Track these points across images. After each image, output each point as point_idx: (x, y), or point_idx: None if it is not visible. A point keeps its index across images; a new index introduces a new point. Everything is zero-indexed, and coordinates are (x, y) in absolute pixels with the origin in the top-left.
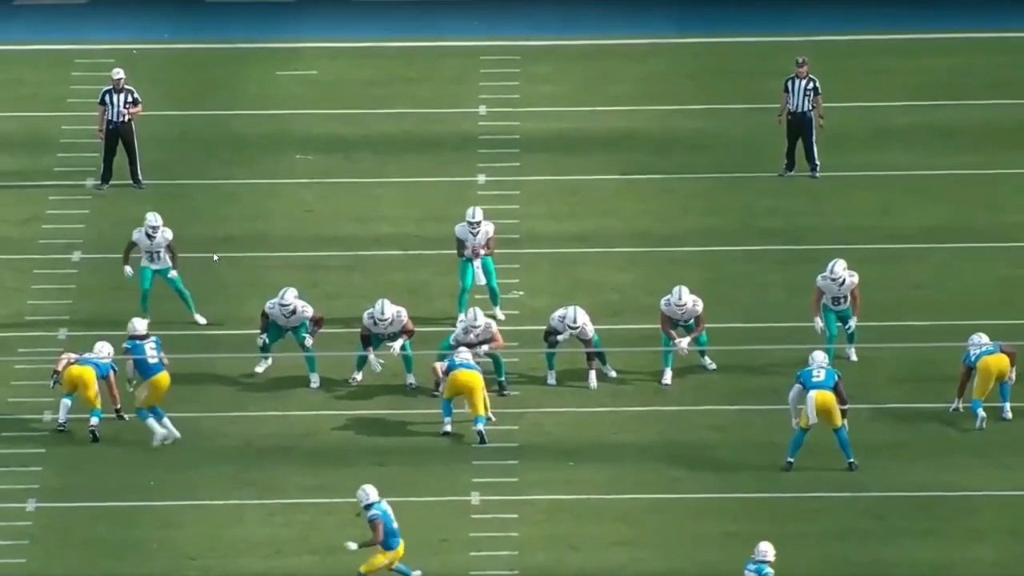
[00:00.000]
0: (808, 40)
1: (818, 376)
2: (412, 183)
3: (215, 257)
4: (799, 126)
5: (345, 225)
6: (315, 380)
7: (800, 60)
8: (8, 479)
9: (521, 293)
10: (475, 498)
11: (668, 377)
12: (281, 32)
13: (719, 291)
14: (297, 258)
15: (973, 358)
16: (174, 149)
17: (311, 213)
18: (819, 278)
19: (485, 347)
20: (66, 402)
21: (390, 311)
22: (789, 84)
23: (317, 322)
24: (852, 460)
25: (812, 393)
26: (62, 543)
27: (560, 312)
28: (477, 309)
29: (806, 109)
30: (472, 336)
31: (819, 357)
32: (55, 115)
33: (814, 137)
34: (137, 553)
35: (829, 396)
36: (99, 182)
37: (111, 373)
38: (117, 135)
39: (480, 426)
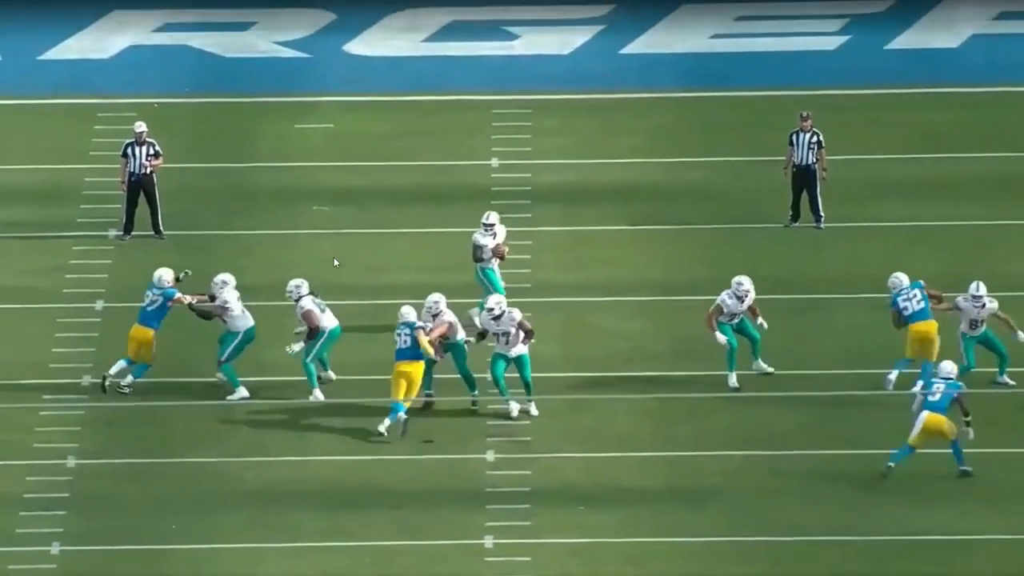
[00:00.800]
0: (811, 94)
1: (934, 396)
2: (425, 234)
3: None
4: (804, 179)
5: (360, 275)
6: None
7: (804, 114)
8: (33, 523)
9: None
10: (488, 541)
11: (734, 379)
12: (298, 86)
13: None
14: None
15: (905, 312)
16: (194, 201)
17: (339, 266)
18: (960, 299)
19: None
20: (123, 363)
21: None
22: (794, 138)
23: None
24: (965, 467)
25: (924, 414)
26: None
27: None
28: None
29: (810, 162)
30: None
31: (946, 367)
32: (78, 167)
33: (818, 189)
34: None
35: (940, 419)
36: (121, 233)
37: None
38: (139, 187)
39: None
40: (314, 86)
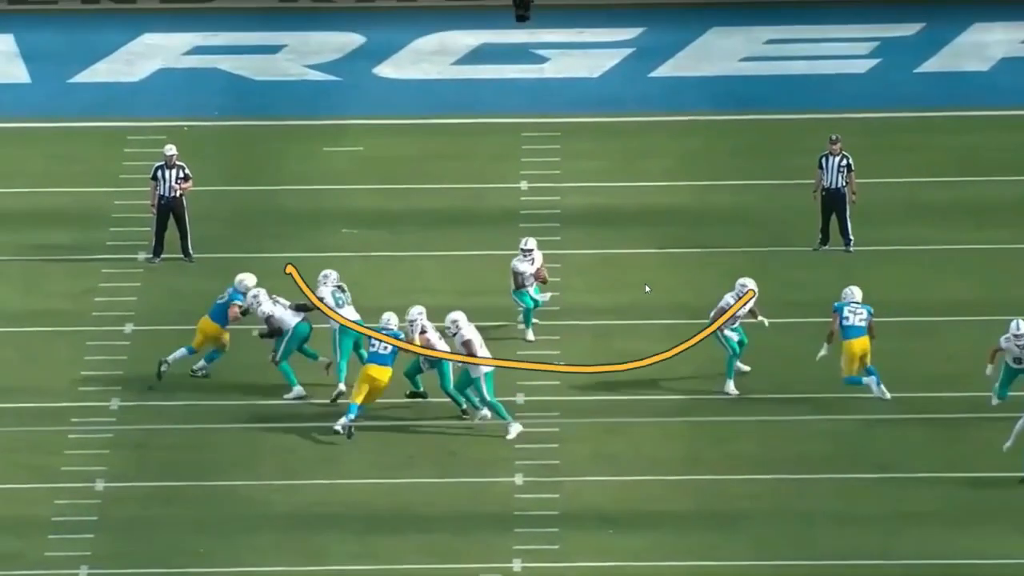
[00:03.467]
0: (841, 117)
1: (853, 321)
2: (455, 256)
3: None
4: (833, 202)
5: (389, 298)
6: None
7: (833, 138)
8: (62, 546)
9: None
10: (517, 565)
11: (732, 386)
12: (328, 109)
13: (753, 363)
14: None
15: (845, 322)
16: (224, 224)
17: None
18: (1002, 340)
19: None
20: (183, 351)
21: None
22: (823, 161)
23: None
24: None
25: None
26: None
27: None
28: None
29: (839, 185)
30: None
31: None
32: (108, 191)
33: (848, 213)
34: None
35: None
36: (151, 255)
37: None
38: (169, 210)
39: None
40: (344, 109)
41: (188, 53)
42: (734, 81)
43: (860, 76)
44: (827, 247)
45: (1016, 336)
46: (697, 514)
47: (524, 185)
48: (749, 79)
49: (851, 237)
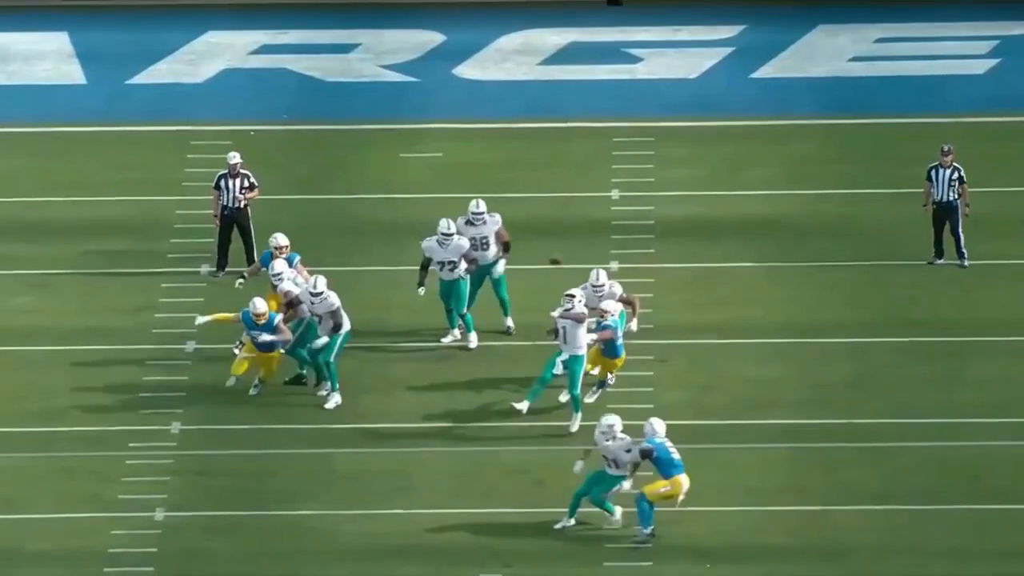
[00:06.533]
0: (957, 121)
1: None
2: (541, 271)
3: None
4: (945, 215)
5: (472, 314)
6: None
7: (945, 148)
8: None
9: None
10: None
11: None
12: (405, 112)
13: (866, 385)
14: (418, 348)
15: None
16: (293, 235)
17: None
18: None
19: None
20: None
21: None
22: (933, 174)
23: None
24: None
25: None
26: None
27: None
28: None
29: (951, 199)
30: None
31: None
32: (169, 199)
33: (961, 226)
34: None
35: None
36: (214, 269)
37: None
38: (232, 221)
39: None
40: (421, 112)
41: (255, 52)
42: (842, 83)
43: (979, 77)
44: (942, 261)
45: None
46: (799, 547)
47: (615, 194)
48: (858, 81)
49: (965, 252)
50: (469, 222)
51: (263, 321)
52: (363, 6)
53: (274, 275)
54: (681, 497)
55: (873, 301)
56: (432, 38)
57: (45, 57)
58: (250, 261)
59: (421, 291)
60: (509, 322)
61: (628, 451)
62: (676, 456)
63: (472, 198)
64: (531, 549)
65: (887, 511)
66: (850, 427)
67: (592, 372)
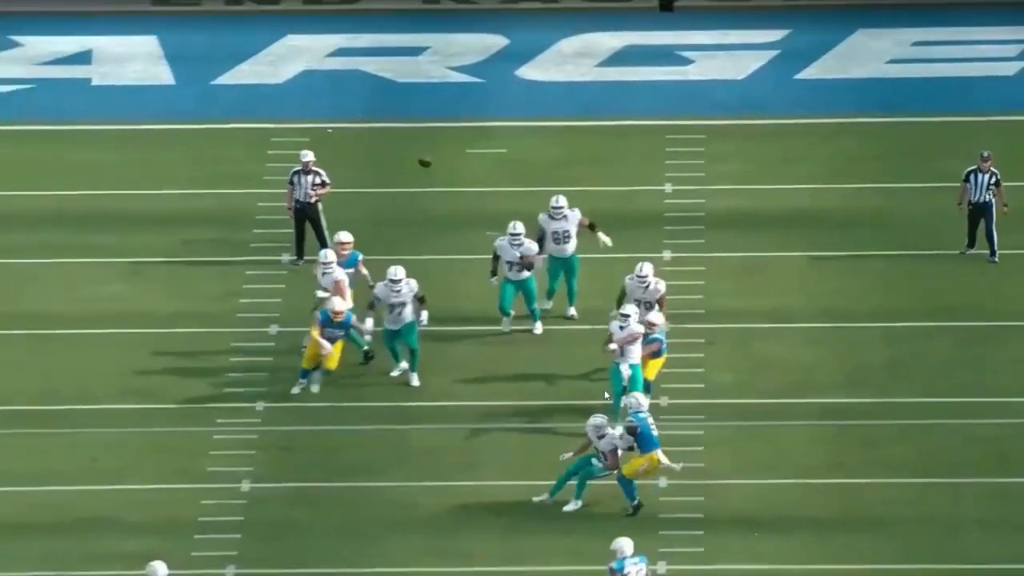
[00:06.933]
0: (990, 120)
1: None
2: (599, 259)
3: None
4: (980, 214)
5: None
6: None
7: (985, 155)
8: (208, 546)
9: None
10: (662, 567)
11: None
12: (471, 111)
13: (901, 367)
14: (487, 332)
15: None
16: (365, 227)
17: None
18: None
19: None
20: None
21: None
22: (971, 176)
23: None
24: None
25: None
26: None
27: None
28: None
29: (987, 199)
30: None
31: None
32: (252, 192)
33: (994, 222)
34: None
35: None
36: (294, 257)
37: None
38: (304, 215)
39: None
40: (487, 111)
41: (332, 55)
42: (881, 84)
43: (1009, 79)
44: (972, 251)
45: None
46: (842, 518)
47: (668, 188)
48: (896, 82)
49: (996, 247)
50: (551, 216)
51: (340, 319)
52: (432, 12)
53: (324, 263)
54: (661, 465)
55: (908, 289)
56: (496, 42)
57: (136, 59)
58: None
59: (493, 280)
60: (572, 311)
61: (617, 441)
62: (655, 432)
63: (534, 191)
64: (592, 519)
65: (922, 484)
66: (887, 406)
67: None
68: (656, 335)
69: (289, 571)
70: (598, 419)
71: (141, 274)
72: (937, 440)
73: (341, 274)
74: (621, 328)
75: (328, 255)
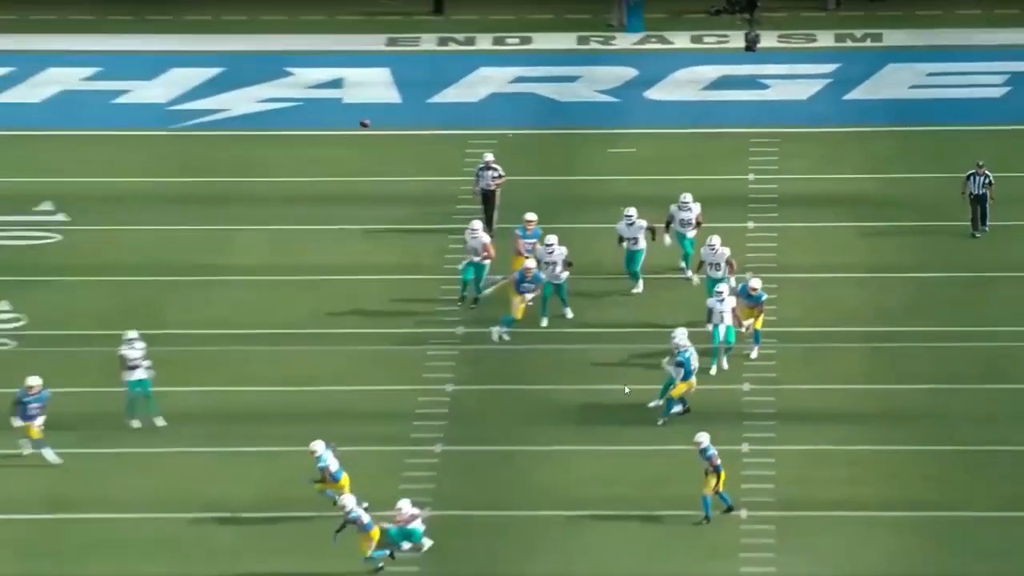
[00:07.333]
0: (982, 129)
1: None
2: (701, 229)
3: (626, 390)
4: (978, 203)
5: (657, 258)
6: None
7: (980, 163)
8: (422, 430)
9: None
10: (745, 447)
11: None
12: (611, 122)
13: (921, 306)
14: (617, 278)
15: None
16: (533, 206)
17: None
18: None
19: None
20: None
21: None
22: (971, 177)
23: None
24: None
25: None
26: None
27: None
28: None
29: (982, 193)
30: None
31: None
32: (453, 179)
33: (988, 207)
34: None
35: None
36: (486, 227)
37: None
38: (486, 199)
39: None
40: (622, 122)
41: (513, 81)
42: (906, 103)
43: (996, 100)
44: (979, 234)
45: None
46: (877, 413)
47: (751, 177)
48: (917, 101)
49: (987, 228)
50: (680, 207)
51: (530, 276)
52: (584, 52)
53: (471, 230)
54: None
55: (926, 249)
56: (629, 72)
57: (374, 85)
58: (489, 223)
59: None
60: (690, 273)
61: (672, 368)
62: (695, 365)
63: (655, 180)
64: (687, 420)
65: (934, 389)
66: (911, 333)
67: (746, 324)
68: (759, 295)
69: (485, 448)
70: (679, 335)
71: (376, 238)
72: (946, 356)
73: (486, 238)
74: (720, 303)
75: (476, 224)
